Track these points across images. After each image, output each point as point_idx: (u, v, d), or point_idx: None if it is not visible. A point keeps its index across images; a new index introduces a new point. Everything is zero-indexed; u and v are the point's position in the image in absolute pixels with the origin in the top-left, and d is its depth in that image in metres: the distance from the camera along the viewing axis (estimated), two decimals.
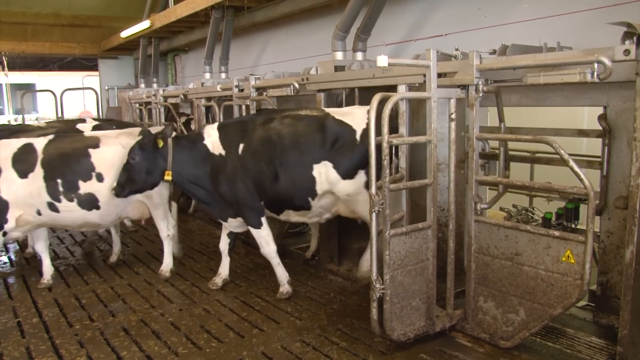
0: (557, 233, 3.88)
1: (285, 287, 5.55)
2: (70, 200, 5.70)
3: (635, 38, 3.46)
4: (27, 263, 7.00)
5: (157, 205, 6.10)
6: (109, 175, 5.72)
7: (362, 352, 4.26)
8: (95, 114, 17.49)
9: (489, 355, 4.18)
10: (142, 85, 13.87)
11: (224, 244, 5.94)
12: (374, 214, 3.99)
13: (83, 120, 8.63)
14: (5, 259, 7.24)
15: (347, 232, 6.72)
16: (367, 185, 4.94)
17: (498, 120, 4.69)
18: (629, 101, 3.83)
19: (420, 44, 7.03)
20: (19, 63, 20.97)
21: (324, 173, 5.07)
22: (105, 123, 8.32)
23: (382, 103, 3.99)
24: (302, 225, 7.51)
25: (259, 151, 5.23)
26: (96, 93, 16.46)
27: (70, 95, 16.25)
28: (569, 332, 4.51)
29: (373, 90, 4.77)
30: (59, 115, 14.97)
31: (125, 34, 13.59)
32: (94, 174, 5.74)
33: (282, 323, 4.89)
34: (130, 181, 5.44)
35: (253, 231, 5.48)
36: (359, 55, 6.70)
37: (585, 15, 5.23)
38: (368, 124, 4.95)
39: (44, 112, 28.03)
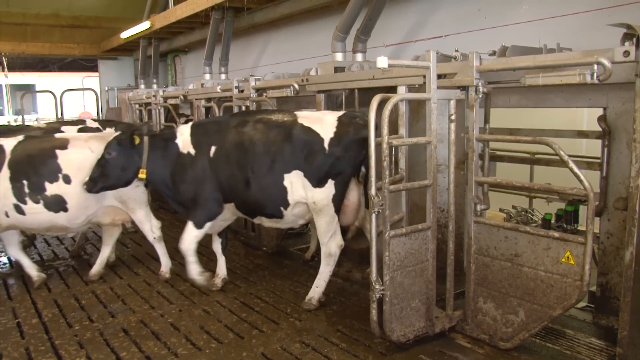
0: (556, 234, 3.88)
1: (198, 278, 5.57)
2: (36, 202, 5.61)
3: (634, 39, 3.47)
4: None
5: (134, 210, 6.01)
6: (76, 177, 5.64)
7: (362, 353, 4.26)
8: (95, 115, 17.48)
9: (489, 357, 4.18)
10: (142, 86, 13.87)
11: (216, 244, 5.95)
12: (373, 215, 3.99)
13: (83, 121, 8.61)
14: (4, 259, 7.24)
15: (346, 233, 6.73)
16: (334, 198, 5.00)
17: (483, 120, 4.67)
18: (629, 102, 3.83)
19: (420, 45, 7.04)
20: (18, 64, 20.98)
21: (296, 182, 5.03)
22: (101, 124, 8.27)
23: (382, 104, 3.99)
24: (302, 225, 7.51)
25: (231, 155, 5.20)
26: (96, 94, 16.44)
27: (70, 96, 16.20)
28: (568, 333, 4.51)
29: (373, 91, 4.78)
30: (59, 116, 14.97)
31: (125, 34, 13.59)
32: (60, 175, 5.64)
33: (282, 324, 4.89)
34: (104, 176, 5.38)
35: (189, 226, 5.44)
36: (359, 57, 6.70)
37: (584, 16, 5.24)
38: (336, 132, 4.99)
39: (43, 112, 28.02)
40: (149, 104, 11.30)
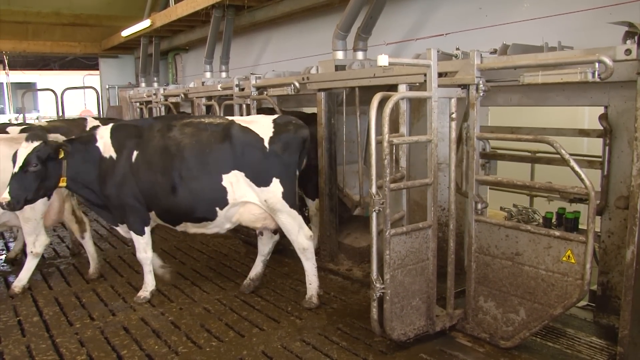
0: (557, 233, 3.87)
1: (145, 293, 5.52)
2: None
3: (636, 37, 3.46)
4: None
5: (28, 220, 5.78)
6: None
7: (362, 352, 4.26)
8: (96, 113, 17.50)
9: (489, 355, 4.17)
10: (143, 84, 13.88)
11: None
12: (374, 214, 3.98)
13: (84, 120, 8.61)
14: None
15: (347, 232, 6.74)
16: (284, 195, 5.03)
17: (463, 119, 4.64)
18: (630, 101, 3.83)
19: (421, 44, 7.03)
20: (20, 62, 21.01)
21: (236, 183, 5.03)
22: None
23: (382, 102, 3.98)
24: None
25: (154, 161, 5.11)
26: (97, 92, 16.47)
27: (71, 94, 16.25)
28: (569, 332, 4.51)
29: (374, 89, 4.77)
30: (60, 114, 14.99)
31: (125, 33, 13.59)
32: None
33: (282, 322, 4.89)
34: (26, 191, 5.05)
35: (134, 236, 5.42)
36: (360, 55, 6.69)
37: (586, 14, 5.23)
38: (275, 131, 5.06)
39: (45, 111, 28.06)
40: (149, 102, 11.31)
